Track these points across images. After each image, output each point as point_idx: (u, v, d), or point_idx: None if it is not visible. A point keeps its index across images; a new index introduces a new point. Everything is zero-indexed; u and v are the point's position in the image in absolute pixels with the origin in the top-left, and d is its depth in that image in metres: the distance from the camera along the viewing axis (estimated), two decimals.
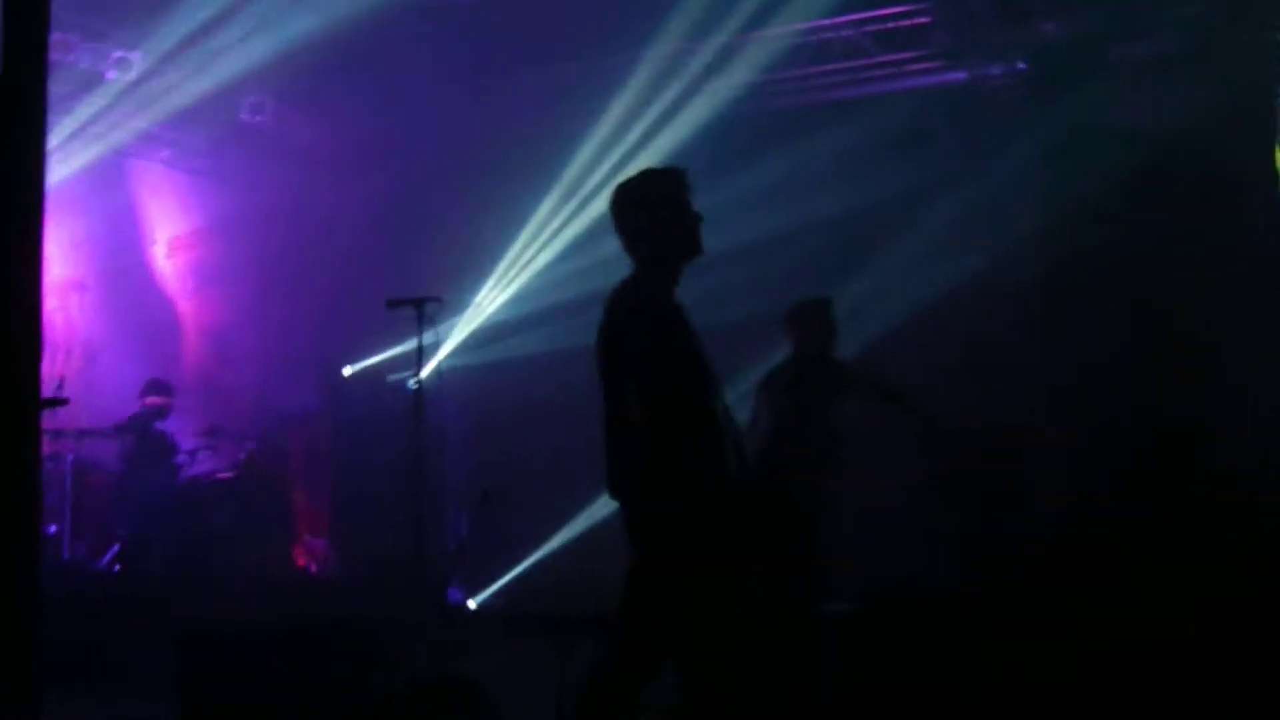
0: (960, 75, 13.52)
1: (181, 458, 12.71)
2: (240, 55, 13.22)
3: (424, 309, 9.37)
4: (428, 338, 9.81)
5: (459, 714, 5.68)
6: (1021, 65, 13.20)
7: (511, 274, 13.75)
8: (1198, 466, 11.58)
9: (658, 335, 5.55)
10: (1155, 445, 11.69)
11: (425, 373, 12.62)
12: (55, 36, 12.63)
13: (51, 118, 12.94)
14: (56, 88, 13.17)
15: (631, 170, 6.49)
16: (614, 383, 5.59)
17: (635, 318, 5.60)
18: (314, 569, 12.43)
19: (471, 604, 11.88)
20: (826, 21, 13.22)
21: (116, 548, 11.71)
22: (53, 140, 13.30)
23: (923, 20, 13.16)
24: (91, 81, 13.53)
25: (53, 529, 11.59)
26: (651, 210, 5.80)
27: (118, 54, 13.39)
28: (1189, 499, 11.40)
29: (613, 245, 6.02)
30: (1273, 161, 12.06)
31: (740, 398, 12.72)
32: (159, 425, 12.92)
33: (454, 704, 5.64)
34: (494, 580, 12.68)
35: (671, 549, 5.43)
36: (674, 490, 5.42)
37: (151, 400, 13.11)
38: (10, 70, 4.70)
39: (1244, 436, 11.68)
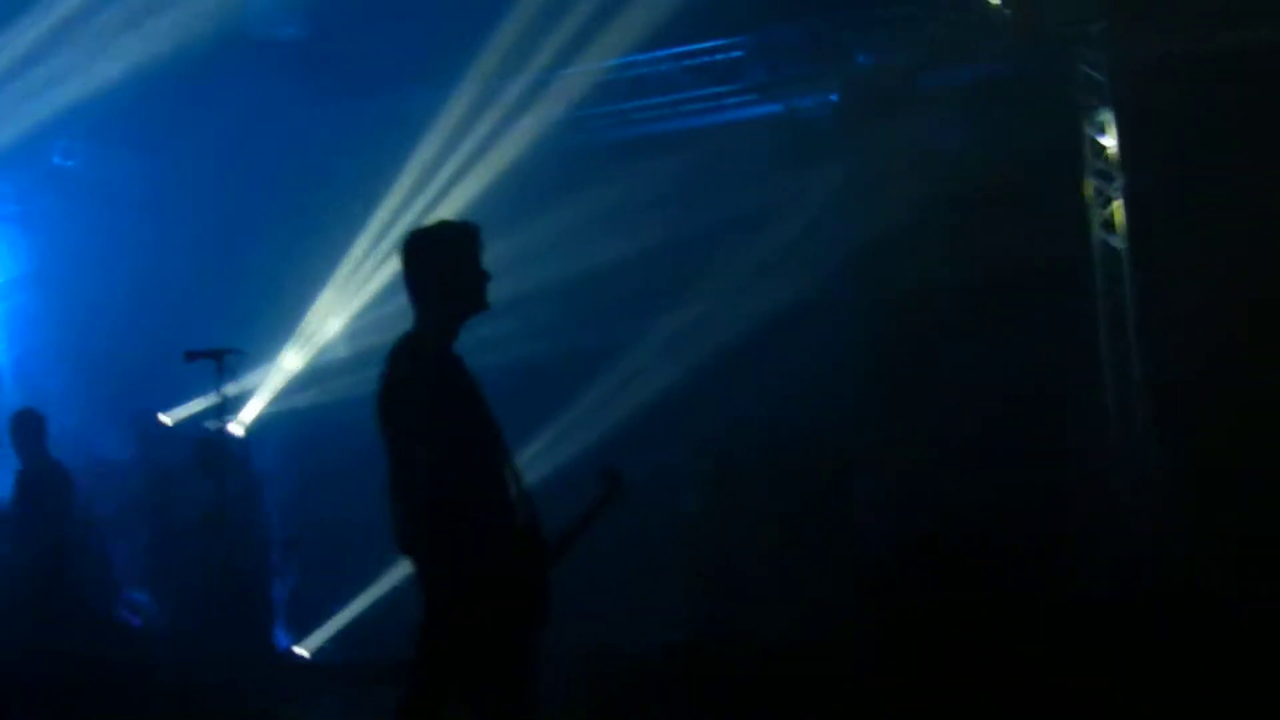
0: (775, 108, 13.72)
1: None
2: (49, 98, 12.97)
3: (224, 360, 9.25)
4: (240, 386, 9.76)
5: None
6: (834, 96, 13.42)
7: (327, 318, 13.70)
8: (1025, 481, 11.81)
9: (435, 392, 5.53)
10: (982, 465, 11.89)
11: (240, 421, 12.61)
12: None
13: None
14: None
15: (430, 218, 6.45)
16: (393, 438, 5.55)
17: (412, 374, 5.57)
18: (136, 621, 12.19)
19: (301, 650, 11.76)
20: (641, 56, 13.28)
21: None
22: None
23: (736, 54, 13.32)
24: None
25: None
26: (438, 263, 5.75)
27: None
28: (1021, 516, 11.62)
29: None
30: (1080, 191, 12.38)
31: (567, 429, 12.91)
32: None
33: None
34: (321, 626, 12.58)
35: (457, 600, 5.44)
36: (456, 545, 5.41)
37: None
38: None
39: (1064, 450, 12.04)
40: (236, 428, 12.40)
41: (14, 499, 11.37)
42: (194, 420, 12.77)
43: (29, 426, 11.38)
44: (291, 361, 13.68)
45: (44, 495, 11.18)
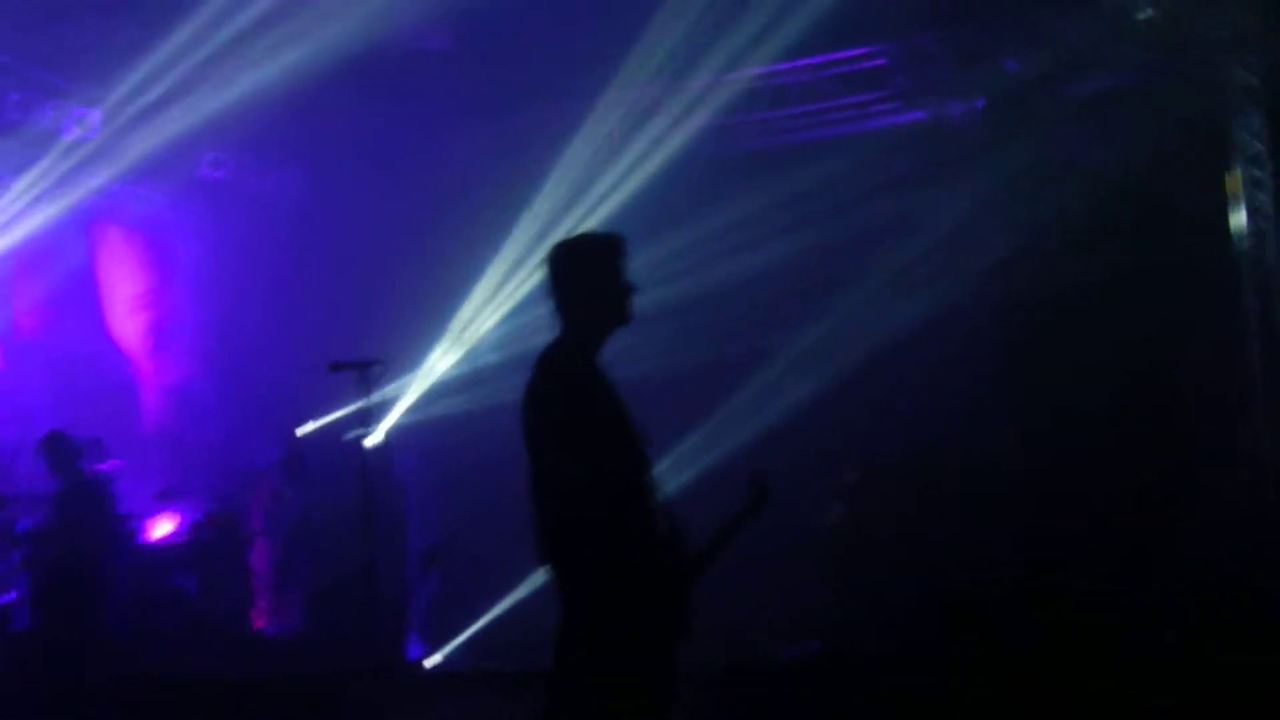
0: (920, 115, 13.58)
1: (130, 521, 12.55)
2: (199, 110, 13.13)
3: (368, 371, 9.30)
4: (383, 395, 9.79)
5: None
6: (980, 103, 13.25)
7: (472, 327, 13.74)
8: (1161, 489, 11.68)
9: (580, 403, 5.45)
10: (1119, 469, 11.76)
11: (380, 430, 12.68)
12: (15, 96, 12.82)
13: (10, 177, 13.13)
14: (17, 147, 13.16)
15: (576, 229, 6.38)
16: (537, 447, 5.49)
17: (558, 384, 5.50)
18: (272, 628, 12.31)
19: (435, 658, 11.79)
20: (784, 65, 13.20)
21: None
22: (12, 199, 13.27)
23: (880, 62, 13.20)
24: (51, 140, 13.40)
25: (11, 596, 11.64)
26: (584, 275, 5.66)
27: (78, 111, 13.28)
28: (1154, 527, 11.44)
29: None
30: (1224, 196, 12.13)
31: (709, 437, 12.87)
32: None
33: None
34: (456, 635, 12.62)
35: (598, 613, 5.37)
36: (600, 557, 5.35)
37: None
38: None
39: (1204, 459, 11.79)
40: (375, 437, 12.48)
41: (53, 515, 11.96)
42: (335, 430, 12.88)
43: (61, 448, 12.02)
44: (434, 370, 13.74)
45: (82, 511, 11.82)
